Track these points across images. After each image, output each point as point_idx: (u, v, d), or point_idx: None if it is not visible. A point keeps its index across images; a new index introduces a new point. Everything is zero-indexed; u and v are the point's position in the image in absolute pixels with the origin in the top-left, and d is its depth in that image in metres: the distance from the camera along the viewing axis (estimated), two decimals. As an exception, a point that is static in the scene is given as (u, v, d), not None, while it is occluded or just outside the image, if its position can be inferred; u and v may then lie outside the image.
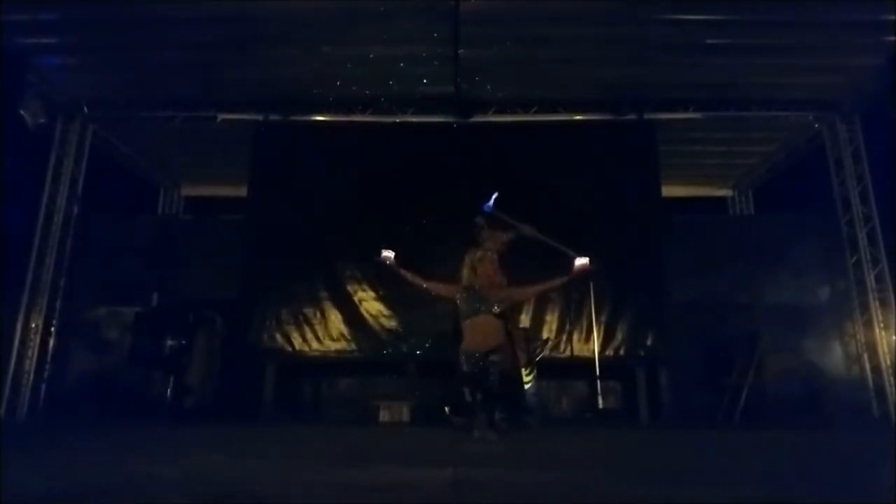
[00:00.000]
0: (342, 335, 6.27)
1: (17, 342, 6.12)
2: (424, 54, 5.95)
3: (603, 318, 6.17)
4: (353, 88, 6.47)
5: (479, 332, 3.99)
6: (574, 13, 5.36)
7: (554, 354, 6.08)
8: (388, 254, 4.19)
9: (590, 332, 6.08)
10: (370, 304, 6.33)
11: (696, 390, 6.37)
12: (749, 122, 6.82)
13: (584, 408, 6.51)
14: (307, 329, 6.28)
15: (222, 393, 6.07)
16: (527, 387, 5.02)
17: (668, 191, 7.24)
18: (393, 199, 6.47)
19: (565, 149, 6.58)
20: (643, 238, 6.35)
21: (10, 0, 5.07)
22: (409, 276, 4.19)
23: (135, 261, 6.99)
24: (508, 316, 4.30)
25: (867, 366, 6.34)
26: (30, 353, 6.21)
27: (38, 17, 5.33)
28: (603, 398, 5.89)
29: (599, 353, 5.95)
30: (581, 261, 4.09)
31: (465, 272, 4.21)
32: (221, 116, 6.71)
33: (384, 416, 5.69)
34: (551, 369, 6.02)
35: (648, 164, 6.65)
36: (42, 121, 6.15)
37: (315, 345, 6.25)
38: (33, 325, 6.26)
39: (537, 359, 5.48)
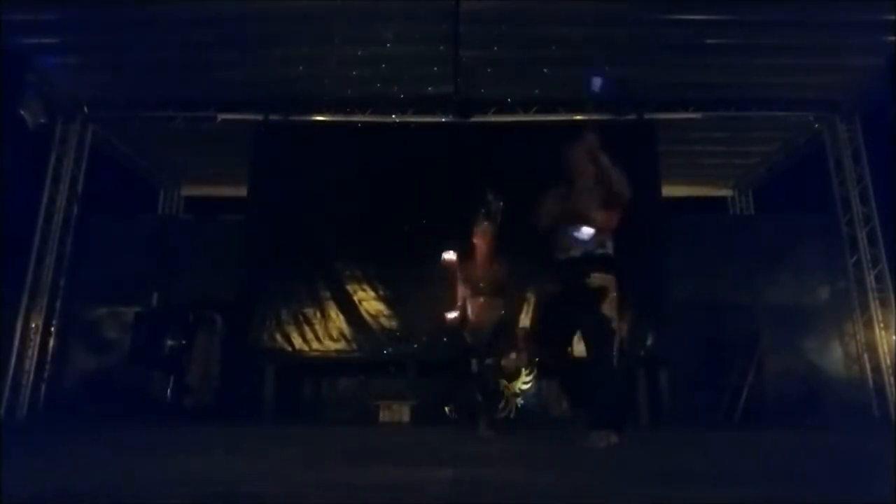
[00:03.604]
0: (342, 335, 6.27)
1: (17, 342, 6.12)
2: (424, 54, 5.95)
3: (603, 319, 6.16)
4: (353, 88, 6.48)
5: (483, 309, 4.03)
6: (574, 13, 5.37)
7: (554, 354, 6.07)
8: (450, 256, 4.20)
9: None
10: (370, 304, 6.33)
11: (696, 390, 6.37)
12: (749, 122, 6.83)
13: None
14: (307, 329, 6.28)
15: (222, 393, 6.07)
16: (526, 387, 5.01)
17: (668, 191, 7.24)
18: (393, 199, 6.47)
19: (565, 149, 6.57)
20: (643, 238, 6.34)
21: (10, 0, 5.06)
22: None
23: (135, 261, 6.99)
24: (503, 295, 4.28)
25: (867, 366, 6.34)
26: (30, 353, 6.21)
27: (38, 17, 5.33)
28: (603, 398, 5.88)
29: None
30: None
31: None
32: (221, 116, 6.70)
33: (384, 416, 5.69)
34: (551, 369, 6.02)
35: (648, 164, 6.64)
36: (42, 121, 6.14)
37: (315, 345, 6.25)
38: (33, 325, 6.26)
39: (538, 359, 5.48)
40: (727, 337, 6.39)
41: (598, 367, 3.14)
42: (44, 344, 6.34)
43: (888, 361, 6.06)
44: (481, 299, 4.11)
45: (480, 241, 4.20)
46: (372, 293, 6.36)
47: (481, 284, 4.07)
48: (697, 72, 6.19)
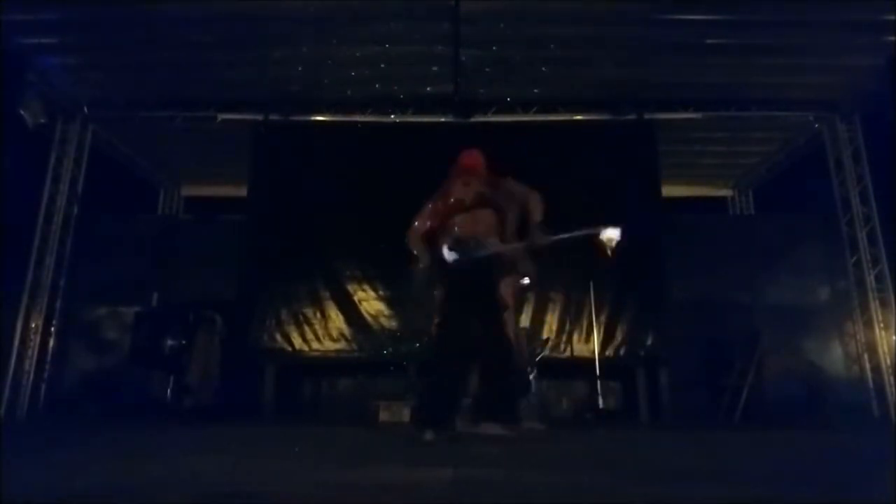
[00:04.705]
0: (342, 335, 6.27)
1: (17, 342, 6.12)
2: (424, 54, 5.95)
3: (603, 318, 6.17)
4: (353, 88, 6.48)
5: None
6: (574, 13, 5.37)
7: (554, 354, 6.08)
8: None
9: (590, 332, 6.08)
10: (370, 304, 6.33)
11: (696, 390, 6.37)
12: (749, 122, 6.82)
13: (584, 408, 6.51)
14: (307, 329, 6.28)
15: (222, 393, 6.06)
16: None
17: (668, 191, 7.24)
18: (393, 200, 6.44)
19: (565, 149, 6.57)
20: (643, 238, 6.34)
21: (10, 0, 5.07)
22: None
23: (135, 261, 6.99)
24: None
25: (867, 366, 6.34)
26: (30, 353, 6.21)
27: (38, 17, 5.33)
28: (603, 398, 5.89)
29: (599, 353, 5.95)
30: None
31: None
32: (221, 116, 6.70)
33: (384, 416, 5.67)
34: (551, 369, 6.03)
35: (648, 164, 6.64)
36: (42, 121, 6.14)
37: (315, 345, 6.25)
38: (33, 325, 6.26)
39: (537, 359, 5.48)
40: (727, 337, 6.39)
41: None
42: (44, 344, 6.34)
43: (888, 361, 6.06)
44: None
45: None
46: (372, 293, 6.36)
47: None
48: (697, 72, 6.19)
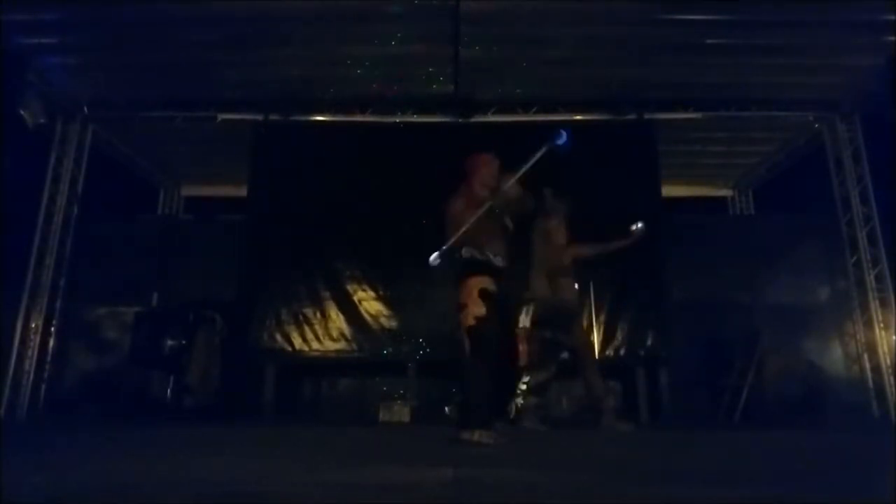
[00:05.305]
0: (342, 335, 6.27)
1: (17, 342, 6.12)
2: (424, 54, 5.95)
3: (603, 318, 6.17)
4: (353, 88, 6.48)
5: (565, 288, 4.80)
6: (574, 13, 5.37)
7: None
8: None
9: (590, 332, 6.07)
10: (370, 304, 6.33)
11: (696, 390, 6.37)
12: (749, 122, 6.83)
13: (584, 408, 6.51)
14: (307, 329, 6.28)
15: (222, 393, 6.07)
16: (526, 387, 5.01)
17: (668, 191, 7.24)
18: (393, 199, 6.47)
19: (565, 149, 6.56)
20: (643, 238, 6.33)
21: (10, 0, 5.06)
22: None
23: (135, 261, 7.00)
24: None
25: (867, 366, 6.34)
26: (30, 353, 6.20)
27: (38, 17, 5.32)
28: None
29: (599, 353, 5.95)
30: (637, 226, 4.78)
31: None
32: (221, 116, 6.70)
33: (384, 416, 5.67)
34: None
35: (648, 164, 6.64)
36: (42, 121, 6.14)
37: (315, 345, 6.25)
38: (33, 325, 6.25)
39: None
40: (727, 337, 6.39)
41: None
42: (44, 344, 6.33)
43: (888, 361, 6.06)
44: (567, 279, 4.77)
45: (555, 234, 4.74)
46: (372, 293, 6.36)
47: (564, 266, 4.67)
48: (697, 72, 6.19)
